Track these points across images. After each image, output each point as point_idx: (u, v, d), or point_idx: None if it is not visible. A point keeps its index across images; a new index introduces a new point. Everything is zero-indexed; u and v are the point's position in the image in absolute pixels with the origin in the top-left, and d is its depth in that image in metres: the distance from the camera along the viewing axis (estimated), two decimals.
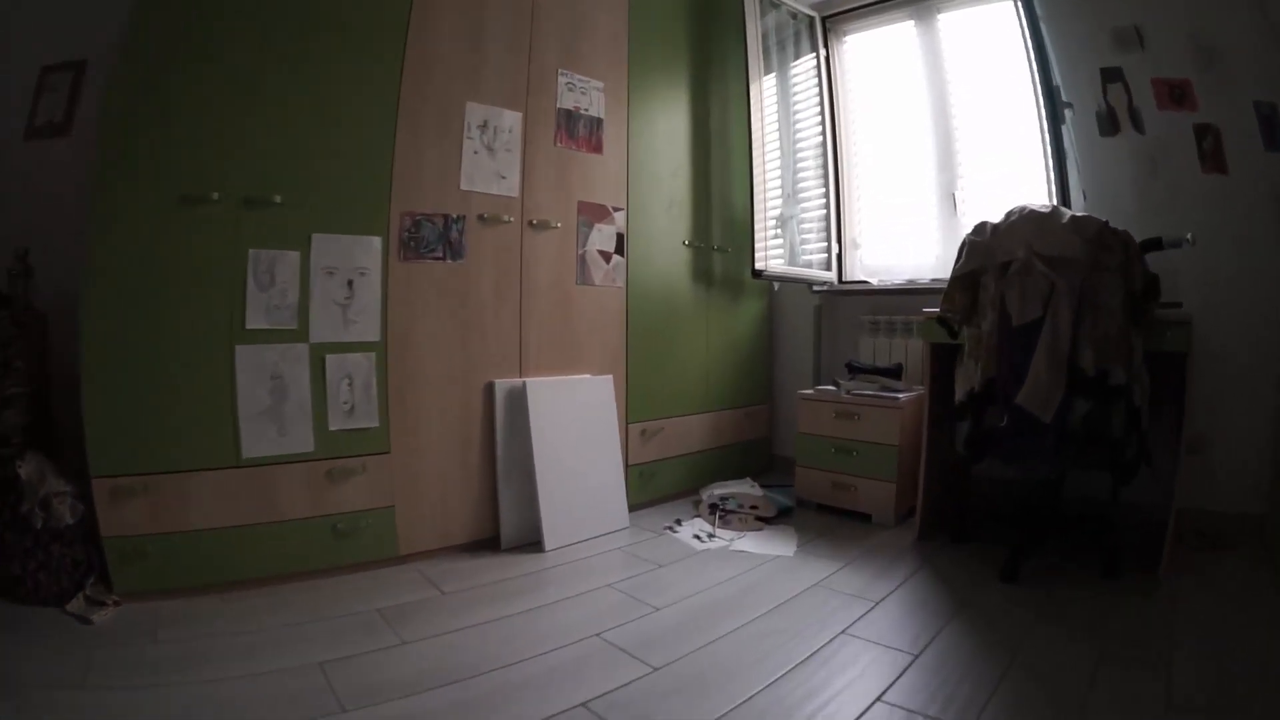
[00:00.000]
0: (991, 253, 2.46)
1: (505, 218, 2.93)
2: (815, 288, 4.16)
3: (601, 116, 3.28)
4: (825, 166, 4.07)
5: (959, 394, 2.58)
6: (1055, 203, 3.14)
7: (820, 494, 3.47)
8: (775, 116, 3.99)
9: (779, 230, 3.95)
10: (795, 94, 4.13)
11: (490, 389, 2.90)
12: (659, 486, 3.57)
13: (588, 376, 3.21)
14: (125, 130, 2.22)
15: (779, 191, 3.96)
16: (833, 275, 4.08)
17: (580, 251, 3.21)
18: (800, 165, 4.11)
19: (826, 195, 4.07)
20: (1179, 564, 2.61)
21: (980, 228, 2.54)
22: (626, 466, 3.35)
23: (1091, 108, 3.19)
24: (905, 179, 3.97)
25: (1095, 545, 2.79)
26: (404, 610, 2.28)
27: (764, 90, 3.81)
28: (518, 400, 2.94)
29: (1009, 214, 2.50)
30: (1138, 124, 3.08)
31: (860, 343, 3.93)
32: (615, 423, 3.24)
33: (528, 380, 2.97)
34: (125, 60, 2.23)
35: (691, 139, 3.78)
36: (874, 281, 3.98)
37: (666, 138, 3.64)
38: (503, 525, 2.89)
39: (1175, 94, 2.98)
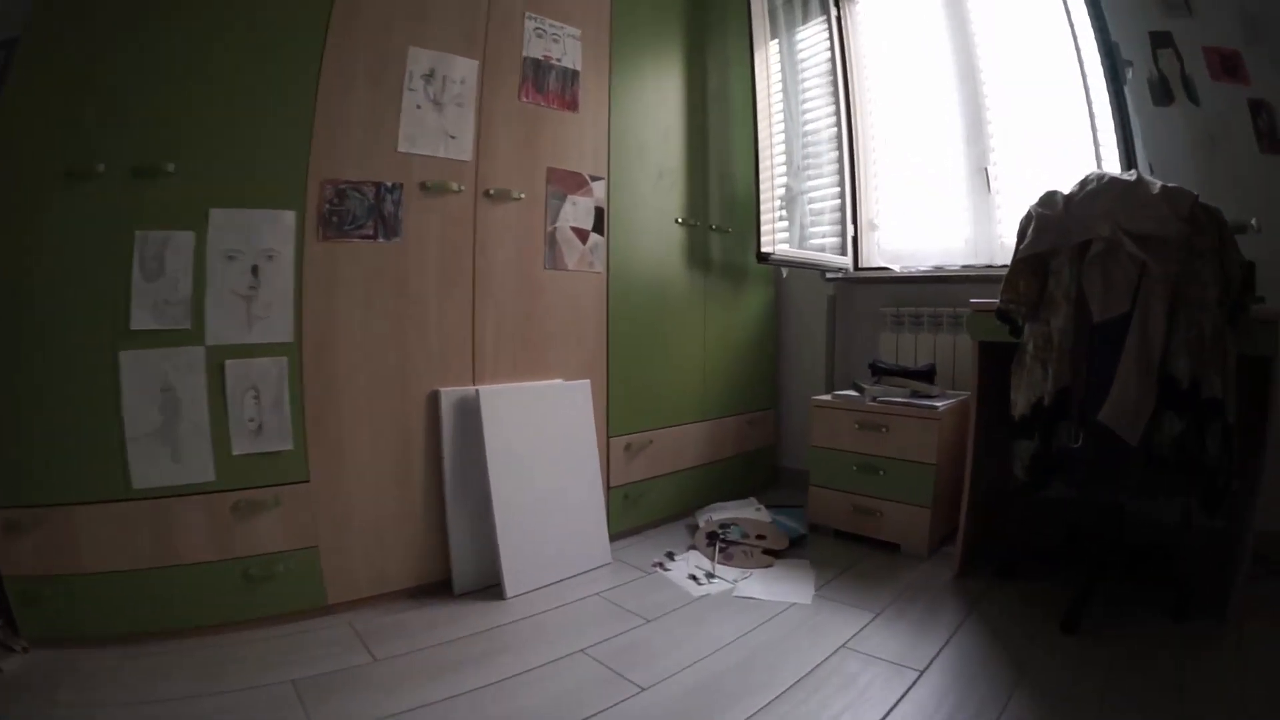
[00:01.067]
0: (1066, 230, 2.01)
1: (454, 186, 2.46)
2: (829, 275, 3.71)
3: (577, 69, 2.82)
4: (839, 138, 3.62)
5: (1020, 406, 2.13)
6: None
7: (838, 519, 3.03)
8: (781, 81, 3.55)
9: (784, 209, 3.52)
10: (802, 57, 3.69)
11: (435, 399, 2.44)
12: (647, 510, 3.13)
13: (559, 382, 2.75)
14: (16, 105, 1.89)
15: (785, 165, 3.53)
16: (848, 261, 3.64)
17: (550, 228, 2.74)
18: (809, 136, 3.66)
19: (840, 171, 3.62)
20: (1247, 598, 2.21)
21: (1049, 199, 2.09)
22: (608, 489, 2.91)
23: (1143, 73, 2.77)
24: (929, 153, 3.52)
25: (1160, 578, 2.42)
26: (323, 684, 1.84)
27: (769, 52, 3.36)
28: (470, 413, 2.48)
29: (1085, 182, 2.06)
30: (1192, 94, 2.68)
31: (881, 339, 3.49)
32: (593, 437, 2.78)
33: (481, 388, 2.50)
34: (31, 31, 1.91)
35: (685, 101, 3.31)
36: (896, 268, 3.54)
37: (656, 98, 3.17)
38: (455, 566, 2.44)
39: (1227, 65, 2.62)
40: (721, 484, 3.51)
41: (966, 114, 3.37)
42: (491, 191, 2.56)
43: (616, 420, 2.97)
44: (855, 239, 3.67)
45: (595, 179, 2.89)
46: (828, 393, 3.26)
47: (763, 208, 3.21)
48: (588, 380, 2.83)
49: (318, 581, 2.24)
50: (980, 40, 3.32)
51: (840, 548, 2.94)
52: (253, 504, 2.13)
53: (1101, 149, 2.91)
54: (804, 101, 3.68)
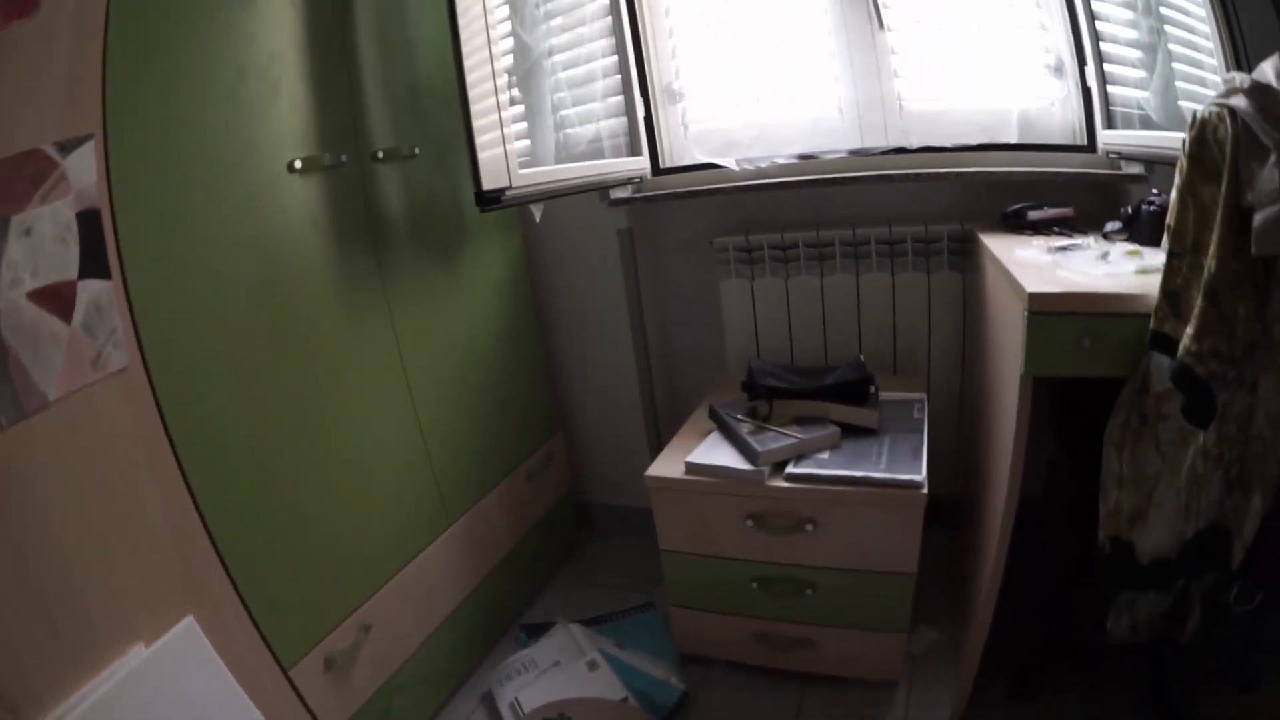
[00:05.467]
0: None
1: None
2: (615, 196, 2.34)
3: None
4: None
5: (1156, 540, 1.15)
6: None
7: (732, 648, 1.87)
8: None
9: (519, 94, 2.16)
10: None
11: None
12: (412, 708, 1.87)
13: (136, 655, 1.25)
14: None
15: (510, 14, 2.13)
16: (643, 163, 2.31)
17: None
18: None
19: (614, 5, 2.26)
20: None
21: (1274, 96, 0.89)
22: None
23: None
24: None
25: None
26: None
27: None
28: None
29: None
30: None
31: (724, 291, 2.25)
32: (242, 699, 1.39)
33: None
34: None
35: None
36: (730, 164, 2.26)
37: None
38: None
39: None
40: (510, 601, 2.27)
41: None
42: None
43: (285, 638, 1.53)
44: (650, 121, 2.33)
45: (74, 144, 1.26)
46: (660, 436, 2.07)
47: (477, 104, 1.78)
48: (189, 617, 1.35)
49: None
50: None
51: (747, 695, 1.85)
52: None
53: None
54: None
